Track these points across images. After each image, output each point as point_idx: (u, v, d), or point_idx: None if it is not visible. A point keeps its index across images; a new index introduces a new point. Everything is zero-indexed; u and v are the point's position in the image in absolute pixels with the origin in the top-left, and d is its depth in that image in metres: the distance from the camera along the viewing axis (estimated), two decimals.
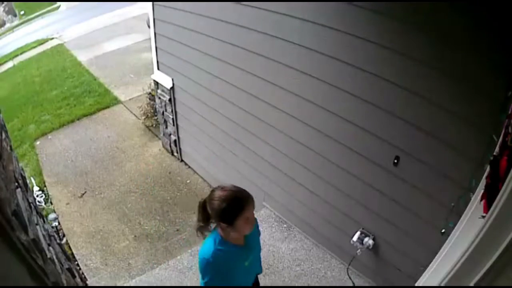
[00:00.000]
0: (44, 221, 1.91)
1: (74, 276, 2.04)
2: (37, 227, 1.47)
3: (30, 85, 9.04)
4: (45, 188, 5.48)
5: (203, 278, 1.97)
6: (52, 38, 12.34)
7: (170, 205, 4.94)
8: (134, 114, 7.03)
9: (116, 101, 7.57)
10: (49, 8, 17.26)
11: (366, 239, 3.01)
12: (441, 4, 2.11)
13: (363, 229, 3.05)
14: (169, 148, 5.78)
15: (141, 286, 3.52)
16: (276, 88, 3.38)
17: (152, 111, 6.41)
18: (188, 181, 5.30)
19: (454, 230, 2.14)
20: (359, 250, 3.05)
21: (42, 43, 12.13)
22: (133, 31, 10.73)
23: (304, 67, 3.06)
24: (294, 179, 3.61)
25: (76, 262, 4.18)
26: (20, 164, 1.88)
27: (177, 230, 4.56)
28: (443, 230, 2.35)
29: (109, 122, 6.95)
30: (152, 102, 6.35)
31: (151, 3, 4.71)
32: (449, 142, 2.30)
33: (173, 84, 4.89)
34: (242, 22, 3.48)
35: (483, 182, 1.83)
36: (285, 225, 3.89)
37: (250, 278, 2.25)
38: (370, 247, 3.00)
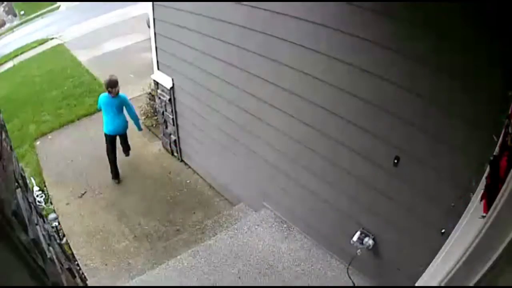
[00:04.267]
0: (44, 221, 1.91)
1: (74, 276, 2.04)
2: (37, 227, 1.47)
3: (30, 85, 9.03)
4: (45, 188, 5.48)
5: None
6: (52, 38, 12.34)
7: (170, 205, 4.94)
8: None
9: None
10: (49, 8, 17.25)
11: (366, 239, 3.01)
12: (441, 4, 2.11)
13: (363, 229, 3.05)
14: (169, 148, 5.78)
15: (141, 286, 3.52)
16: (276, 88, 3.38)
17: (152, 111, 6.41)
18: (188, 181, 5.30)
19: (454, 230, 2.14)
20: (359, 250, 3.05)
21: (42, 43, 12.13)
22: (133, 31, 10.72)
23: (304, 67, 3.06)
24: (294, 179, 3.61)
25: (76, 262, 4.17)
26: (20, 164, 1.88)
27: (177, 230, 4.56)
28: (443, 230, 2.35)
29: None
30: (152, 102, 6.35)
31: (151, 3, 4.71)
32: (449, 142, 2.30)
33: (173, 84, 4.89)
34: (242, 22, 3.49)
35: (483, 182, 1.83)
36: (285, 225, 3.89)
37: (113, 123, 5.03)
38: (370, 247, 3.00)
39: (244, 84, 3.75)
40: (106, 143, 5.10)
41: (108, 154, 5.19)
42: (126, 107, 5.06)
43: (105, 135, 5.07)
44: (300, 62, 3.07)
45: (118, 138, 5.21)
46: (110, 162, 5.22)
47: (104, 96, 4.97)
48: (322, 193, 3.36)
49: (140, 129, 5.49)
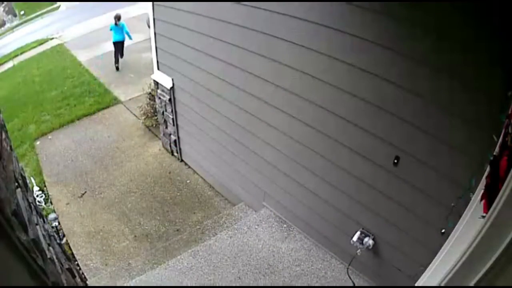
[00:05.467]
0: (44, 221, 1.91)
1: (74, 276, 2.04)
2: (37, 227, 1.47)
3: (30, 85, 9.04)
4: (45, 188, 5.48)
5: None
6: (52, 38, 12.34)
7: (170, 205, 4.95)
8: (134, 114, 7.03)
9: (116, 101, 7.57)
10: (49, 8, 17.27)
11: (366, 239, 3.01)
12: (441, 4, 2.11)
13: (363, 229, 3.06)
14: (169, 148, 5.78)
15: (141, 286, 3.52)
16: (276, 88, 3.38)
17: (152, 111, 6.41)
18: (188, 181, 5.30)
19: (454, 230, 2.14)
20: (359, 250, 3.05)
21: (42, 43, 12.14)
22: (133, 31, 10.70)
23: (304, 67, 3.06)
24: (294, 179, 3.61)
25: (76, 262, 4.18)
26: (20, 164, 1.88)
27: (177, 230, 4.56)
28: (443, 230, 2.35)
29: (109, 122, 6.95)
30: (152, 102, 6.35)
31: (151, 3, 4.71)
32: (449, 142, 2.30)
33: (173, 84, 4.89)
34: (242, 22, 3.48)
35: (483, 182, 1.83)
36: (285, 225, 3.89)
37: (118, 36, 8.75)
38: (370, 247, 3.00)
39: (244, 84, 3.75)
40: (114, 48, 8.85)
41: (114, 54, 8.85)
42: (123, 29, 8.73)
43: (113, 43, 8.76)
44: (300, 62, 3.07)
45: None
46: (115, 58, 8.88)
47: (112, 24, 8.64)
48: (322, 193, 3.36)
49: (130, 37, 8.95)
